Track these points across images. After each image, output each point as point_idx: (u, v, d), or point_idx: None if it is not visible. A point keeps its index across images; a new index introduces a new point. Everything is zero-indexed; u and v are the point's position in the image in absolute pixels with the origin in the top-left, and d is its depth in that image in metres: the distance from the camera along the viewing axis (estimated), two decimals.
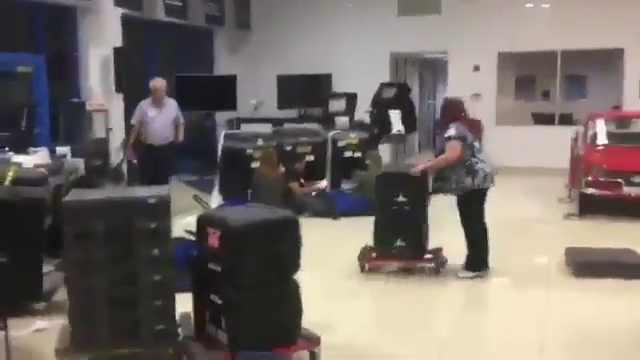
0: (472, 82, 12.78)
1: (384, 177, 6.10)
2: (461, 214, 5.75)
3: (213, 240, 3.73)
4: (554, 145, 11.10)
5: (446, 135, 5.60)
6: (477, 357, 4.31)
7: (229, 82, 12.00)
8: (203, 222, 3.89)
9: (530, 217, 8.69)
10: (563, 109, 13.31)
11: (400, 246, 5.80)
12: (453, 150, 5.52)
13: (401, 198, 5.74)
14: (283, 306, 3.81)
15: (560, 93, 13.41)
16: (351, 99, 11.29)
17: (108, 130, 9.70)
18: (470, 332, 4.79)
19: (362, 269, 5.93)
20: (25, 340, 4.37)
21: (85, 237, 3.69)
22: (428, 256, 5.94)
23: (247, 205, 4.21)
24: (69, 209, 3.71)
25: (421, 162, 6.12)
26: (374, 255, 5.98)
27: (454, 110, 5.81)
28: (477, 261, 5.70)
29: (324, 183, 9.11)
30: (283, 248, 3.77)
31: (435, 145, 17.99)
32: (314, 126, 10.26)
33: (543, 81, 14.80)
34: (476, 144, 5.74)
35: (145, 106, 8.27)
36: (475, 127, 6.40)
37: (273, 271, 3.76)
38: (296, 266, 3.86)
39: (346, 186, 9.36)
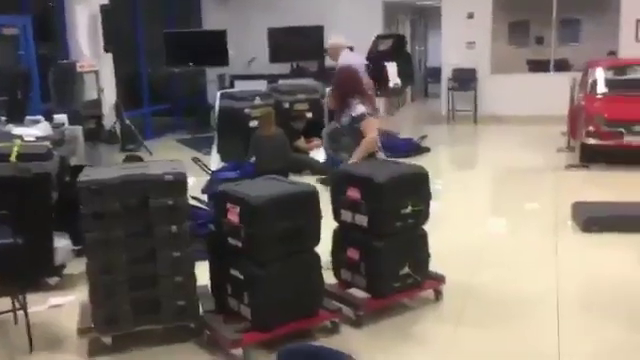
0: (466, 29, 12.59)
1: (389, 185, 4.07)
2: None
3: (233, 216, 3.67)
4: (550, 92, 11.01)
5: (356, 114, 4.61)
6: (496, 309, 4.33)
7: (219, 37, 11.70)
8: (222, 197, 3.82)
9: (532, 167, 8.69)
10: (557, 55, 13.17)
11: (405, 274, 4.20)
12: (374, 128, 4.67)
13: (409, 209, 4.14)
14: (305, 279, 3.79)
15: (554, 38, 13.22)
16: None
17: (100, 91, 9.48)
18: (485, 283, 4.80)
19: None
20: (42, 316, 4.34)
21: (103, 217, 3.63)
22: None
23: (265, 178, 4.11)
24: (85, 189, 3.62)
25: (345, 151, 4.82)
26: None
27: (356, 80, 4.90)
28: None
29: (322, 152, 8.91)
30: (303, 222, 3.72)
31: (427, 93, 17.94)
32: (311, 82, 10.07)
33: (537, 26, 14.61)
34: None
35: None
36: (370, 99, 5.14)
37: (294, 245, 3.71)
38: (316, 239, 3.83)
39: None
